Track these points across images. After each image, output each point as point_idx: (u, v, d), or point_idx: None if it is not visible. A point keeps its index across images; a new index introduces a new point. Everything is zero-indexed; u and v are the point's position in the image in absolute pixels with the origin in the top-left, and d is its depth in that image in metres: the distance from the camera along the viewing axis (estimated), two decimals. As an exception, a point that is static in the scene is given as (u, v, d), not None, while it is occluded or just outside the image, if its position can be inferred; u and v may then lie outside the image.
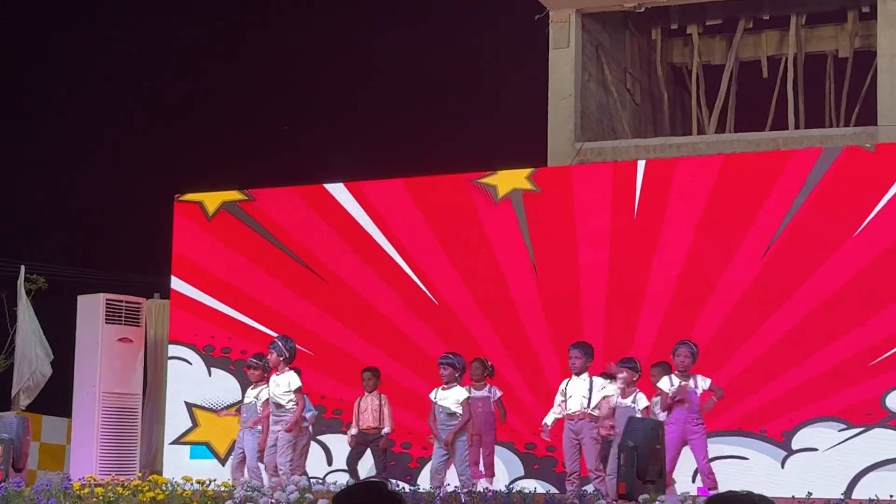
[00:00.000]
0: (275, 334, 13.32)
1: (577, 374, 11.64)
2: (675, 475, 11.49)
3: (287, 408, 12.15)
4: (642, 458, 10.15)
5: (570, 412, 11.55)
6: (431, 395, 12.20)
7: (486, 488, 11.67)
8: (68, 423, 16.09)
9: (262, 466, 12.48)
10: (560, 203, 13.81)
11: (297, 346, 12.60)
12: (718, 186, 13.25)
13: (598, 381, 11.68)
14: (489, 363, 12.89)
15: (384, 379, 13.34)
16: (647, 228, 13.41)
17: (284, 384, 12.17)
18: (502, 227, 13.99)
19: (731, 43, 19.53)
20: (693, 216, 13.28)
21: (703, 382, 11.56)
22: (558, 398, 11.76)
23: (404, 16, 25.10)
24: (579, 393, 11.54)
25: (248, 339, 14.63)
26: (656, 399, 11.68)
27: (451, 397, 12.05)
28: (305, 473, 12.86)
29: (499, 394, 12.95)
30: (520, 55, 21.10)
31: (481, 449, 12.72)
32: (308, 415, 13.25)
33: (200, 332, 15.17)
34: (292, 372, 12.23)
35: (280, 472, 11.98)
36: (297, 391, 12.15)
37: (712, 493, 11.05)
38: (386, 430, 13.03)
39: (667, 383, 11.56)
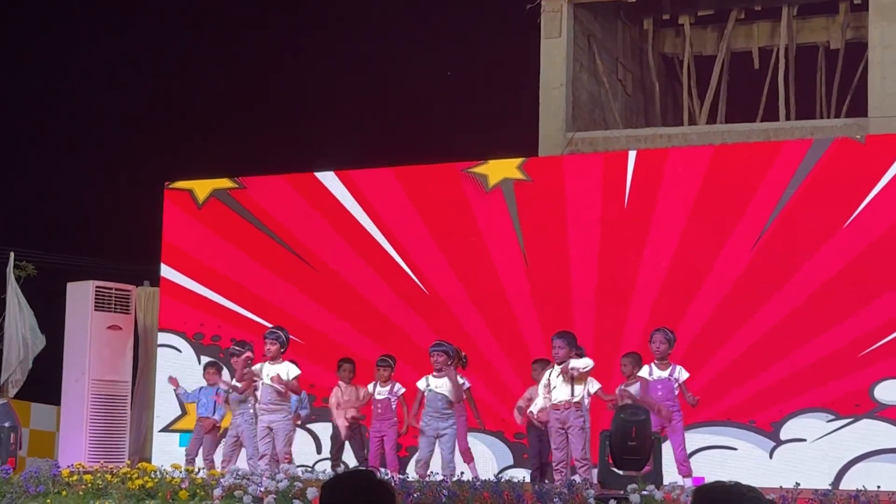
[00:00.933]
0: (265, 322, 13.30)
1: (561, 364, 11.61)
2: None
3: (286, 396, 12.26)
4: (614, 448, 10.16)
5: (555, 402, 11.53)
6: (420, 384, 12.14)
7: (475, 477, 11.65)
8: (57, 410, 16.07)
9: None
10: (551, 193, 13.80)
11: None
12: (709, 177, 13.24)
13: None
14: (463, 354, 12.81)
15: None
16: (637, 218, 13.40)
17: (283, 373, 12.24)
18: (493, 216, 13.97)
19: (723, 34, 19.54)
20: (684, 207, 13.27)
21: (681, 373, 11.58)
22: (542, 388, 11.73)
23: (395, 5, 25.06)
24: (563, 383, 11.51)
25: (237, 327, 14.61)
26: (631, 387, 11.70)
27: (446, 384, 12.02)
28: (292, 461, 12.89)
29: (467, 385, 12.85)
30: (511, 45, 21.08)
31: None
32: (303, 413, 13.36)
33: (190, 319, 15.16)
34: (288, 362, 12.37)
35: (284, 460, 12.03)
36: (296, 379, 12.35)
37: (686, 479, 11.07)
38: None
39: (647, 372, 11.59)
